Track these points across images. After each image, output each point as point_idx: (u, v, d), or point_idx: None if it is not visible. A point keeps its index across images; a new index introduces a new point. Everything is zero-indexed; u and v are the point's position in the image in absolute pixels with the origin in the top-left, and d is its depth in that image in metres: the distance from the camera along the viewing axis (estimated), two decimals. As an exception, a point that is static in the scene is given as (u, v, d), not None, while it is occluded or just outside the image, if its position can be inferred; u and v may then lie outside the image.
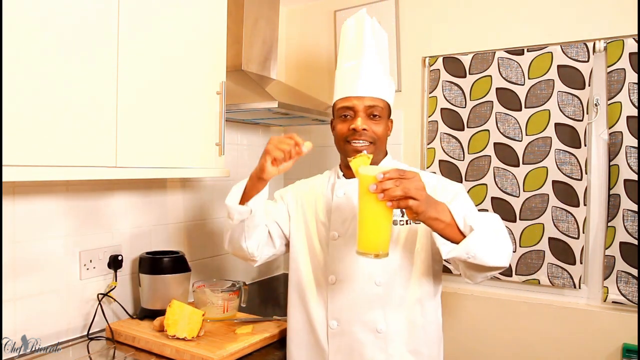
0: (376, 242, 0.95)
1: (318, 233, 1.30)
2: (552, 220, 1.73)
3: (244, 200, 1.17)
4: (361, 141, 1.19)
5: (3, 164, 0.93)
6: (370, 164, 1.09)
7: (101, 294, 1.49)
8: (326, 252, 1.26)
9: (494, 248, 1.01)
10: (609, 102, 1.64)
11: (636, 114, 1.59)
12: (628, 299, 1.61)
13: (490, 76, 1.83)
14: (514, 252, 1.79)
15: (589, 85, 1.67)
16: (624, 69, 1.61)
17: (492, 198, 1.83)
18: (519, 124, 1.78)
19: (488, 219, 1.04)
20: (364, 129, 1.19)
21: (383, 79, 1.23)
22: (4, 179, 0.94)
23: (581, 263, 1.69)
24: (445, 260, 1.06)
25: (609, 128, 1.65)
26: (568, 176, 1.70)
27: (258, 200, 1.18)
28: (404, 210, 1.14)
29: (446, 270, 1.48)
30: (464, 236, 0.99)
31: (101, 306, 1.47)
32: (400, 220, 1.21)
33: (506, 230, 1.08)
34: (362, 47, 1.22)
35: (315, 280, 1.28)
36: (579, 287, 1.70)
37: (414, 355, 1.21)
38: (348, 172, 1.28)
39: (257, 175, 1.15)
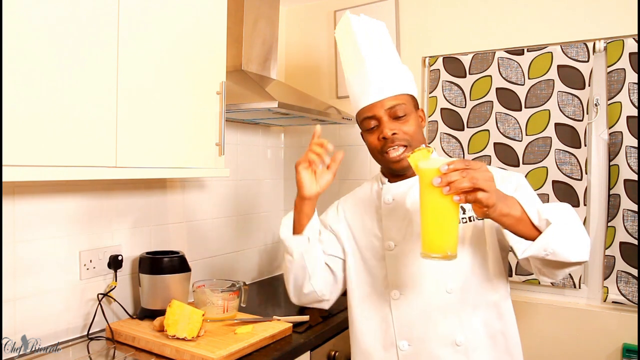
0: (443, 242, 0.85)
1: (372, 247, 1.18)
2: (552, 220, 1.73)
3: (296, 232, 1.11)
4: (396, 147, 1.09)
5: (3, 164, 0.93)
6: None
7: (101, 294, 1.49)
8: (384, 266, 1.15)
9: (574, 241, 0.90)
10: (609, 102, 1.65)
11: (636, 114, 1.59)
12: (628, 299, 1.61)
13: (490, 76, 1.83)
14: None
15: (589, 85, 1.67)
16: (624, 69, 1.61)
17: (492, 198, 1.83)
18: (519, 124, 1.78)
19: (562, 209, 0.93)
20: (394, 134, 1.08)
21: (395, 72, 1.13)
22: (4, 179, 0.94)
23: (581, 263, 1.69)
24: (519, 259, 0.96)
25: (609, 128, 1.65)
26: (568, 176, 1.70)
27: (312, 226, 1.11)
28: (463, 206, 1.07)
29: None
30: (539, 231, 0.89)
31: (101, 306, 1.47)
32: (463, 218, 1.08)
33: (580, 221, 0.97)
34: (359, 52, 1.13)
35: (377, 298, 1.15)
36: (579, 287, 1.70)
37: None
38: (392, 178, 1.18)
39: (299, 197, 1.08)
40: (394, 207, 1.15)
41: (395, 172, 1.14)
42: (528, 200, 0.92)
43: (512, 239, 0.95)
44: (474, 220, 1.09)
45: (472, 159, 1.85)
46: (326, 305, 1.23)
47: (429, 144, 1.95)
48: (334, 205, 1.31)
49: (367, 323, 1.16)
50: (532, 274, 1.75)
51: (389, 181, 1.19)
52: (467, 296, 1.07)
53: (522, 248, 0.92)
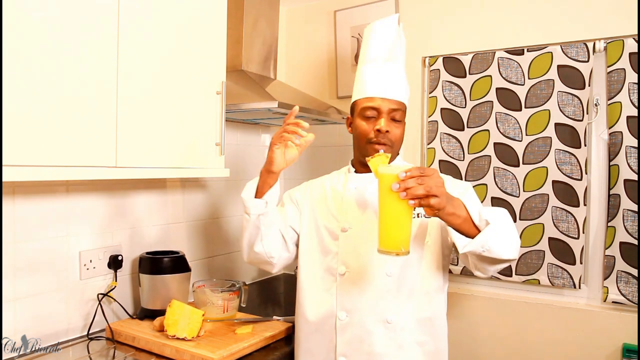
0: (398, 240, 0.96)
1: (329, 225, 1.30)
2: (552, 220, 1.73)
3: (257, 196, 1.24)
4: (383, 143, 1.22)
5: (3, 164, 0.93)
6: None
7: (101, 294, 1.49)
8: (337, 245, 1.27)
9: (507, 241, 1.04)
10: (609, 102, 1.64)
11: (636, 114, 1.59)
12: (628, 299, 1.61)
13: (490, 76, 1.83)
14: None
15: (589, 85, 1.67)
16: (624, 69, 1.61)
17: (492, 198, 1.83)
18: (519, 124, 1.78)
19: (499, 213, 1.07)
20: (387, 131, 1.22)
21: (404, 82, 1.28)
22: (4, 179, 0.94)
23: (581, 263, 1.69)
24: (457, 255, 1.09)
25: (609, 128, 1.65)
26: (568, 176, 1.70)
27: (272, 194, 1.23)
28: None
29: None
30: (478, 230, 1.02)
31: (101, 306, 1.47)
32: (418, 213, 1.23)
33: (513, 223, 1.11)
34: (392, 51, 1.27)
35: (325, 272, 1.28)
36: (579, 287, 1.70)
37: (421, 346, 1.22)
38: (360, 168, 1.31)
39: (266, 169, 1.21)
40: (355, 195, 1.28)
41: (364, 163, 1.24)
42: (472, 203, 1.05)
43: (455, 236, 1.07)
44: (421, 217, 1.22)
45: (472, 159, 1.87)
46: (273, 269, 1.36)
47: (429, 144, 1.95)
48: (304, 184, 1.43)
49: (313, 294, 1.29)
50: (532, 274, 1.76)
51: (355, 171, 1.33)
52: (404, 282, 1.20)
53: (462, 244, 1.04)
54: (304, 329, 1.30)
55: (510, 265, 1.80)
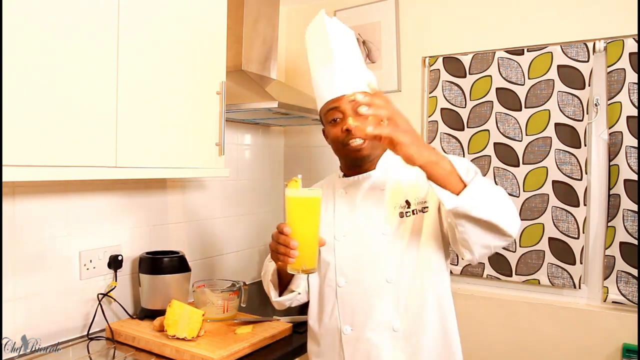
0: (302, 258, 1.00)
1: (324, 236, 1.24)
2: (552, 220, 1.73)
3: (281, 284, 1.21)
4: (357, 140, 1.14)
5: (3, 164, 0.93)
6: (365, 160, 1.17)
7: (101, 294, 1.49)
8: (333, 255, 1.21)
9: (499, 203, 0.93)
10: (609, 102, 1.64)
11: (636, 114, 1.59)
12: (628, 299, 1.61)
13: (490, 76, 1.83)
14: (513, 252, 1.79)
15: (589, 85, 1.67)
16: (624, 69, 1.61)
17: (492, 198, 1.83)
18: (519, 124, 1.78)
19: (492, 185, 0.98)
20: (357, 126, 1.13)
21: (359, 73, 1.19)
22: (4, 179, 0.94)
23: (581, 263, 1.69)
24: (445, 212, 0.97)
25: (609, 128, 1.65)
26: (568, 176, 1.70)
27: (295, 282, 1.20)
28: (409, 200, 1.15)
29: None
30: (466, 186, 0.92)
31: (101, 306, 1.47)
32: (407, 212, 1.15)
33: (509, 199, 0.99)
34: (330, 49, 1.18)
35: (327, 286, 1.22)
36: (579, 287, 1.70)
37: (435, 350, 1.14)
38: (348, 172, 1.26)
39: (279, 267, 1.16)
40: (346, 199, 1.23)
41: (355, 162, 1.20)
42: (456, 159, 0.96)
43: (440, 192, 0.93)
44: (416, 213, 1.15)
45: (472, 159, 1.87)
46: (303, 299, 1.31)
47: (429, 144, 1.95)
48: None
49: (319, 308, 1.24)
50: (532, 274, 1.76)
51: (344, 175, 1.26)
52: (405, 286, 1.13)
53: (449, 199, 0.91)
54: (314, 344, 1.26)
55: (510, 265, 1.80)
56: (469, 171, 0.94)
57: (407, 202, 1.16)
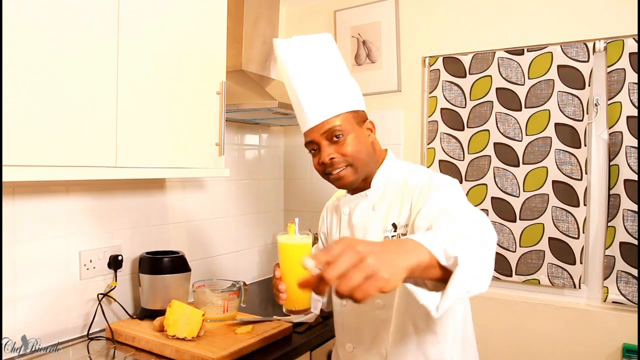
0: (295, 300, 1.03)
1: None
2: (552, 220, 1.73)
3: None
4: (337, 170, 1.09)
5: (3, 164, 0.93)
6: (359, 185, 1.14)
7: (101, 294, 1.49)
8: None
9: (481, 277, 0.80)
10: (609, 102, 1.64)
11: (636, 114, 1.59)
12: (628, 299, 1.61)
13: (490, 76, 1.83)
14: (513, 252, 1.79)
15: (589, 85, 1.67)
16: (624, 69, 1.61)
17: (492, 198, 1.83)
18: (519, 124, 1.78)
19: (471, 236, 0.81)
20: (332, 158, 1.08)
21: (329, 94, 1.09)
22: (4, 179, 0.94)
23: (581, 263, 1.69)
24: (435, 315, 0.77)
25: (609, 128, 1.65)
26: (568, 176, 1.70)
27: (315, 303, 1.22)
28: (395, 224, 1.09)
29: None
30: (447, 270, 0.75)
31: (101, 306, 1.47)
32: (393, 236, 1.10)
33: (492, 237, 0.87)
34: (290, 81, 1.12)
35: (336, 303, 1.24)
36: (579, 287, 1.70)
37: None
38: (349, 190, 1.20)
39: None
40: (347, 219, 1.21)
41: (343, 188, 1.17)
42: (434, 235, 0.76)
43: (422, 297, 0.75)
44: (401, 237, 1.06)
45: (472, 159, 1.87)
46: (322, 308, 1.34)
47: (429, 144, 1.95)
48: (321, 216, 1.36)
49: (335, 323, 1.25)
50: (532, 274, 1.76)
51: (348, 192, 1.21)
52: (394, 311, 1.09)
53: (434, 304, 0.75)
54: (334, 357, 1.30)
55: (510, 265, 1.80)
56: (449, 250, 0.73)
57: (394, 225, 1.10)
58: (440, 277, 0.76)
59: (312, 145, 1.12)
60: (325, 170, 1.12)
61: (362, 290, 0.64)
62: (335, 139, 1.08)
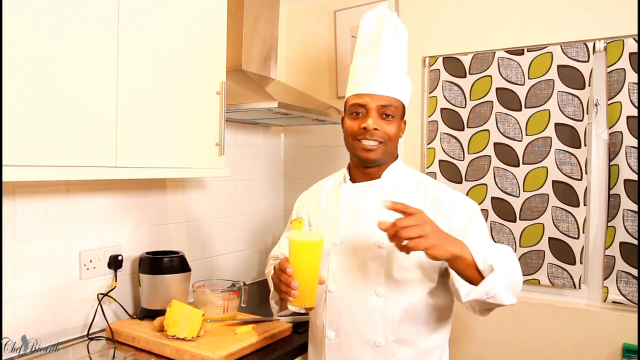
0: (302, 297, 1.04)
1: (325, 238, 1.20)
2: (552, 220, 1.73)
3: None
4: (371, 141, 1.14)
5: (3, 164, 0.93)
6: (379, 172, 1.18)
7: (101, 294, 1.49)
8: (328, 259, 1.19)
9: (512, 287, 0.99)
10: (609, 102, 1.64)
11: (636, 114, 1.59)
12: (628, 299, 1.61)
13: (490, 76, 1.83)
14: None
15: (589, 85, 1.67)
16: (624, 69, 1.61)
17: (492, 198, 1.83)
18: (519, 124, 1.78)
19: (504, 254, 1.01)
20: (375, 129, 1.13)
21: (400, 78, 1.18)
22: (4, 179, 0.94)
23: (581, 263, 1.69)
24: (462, 302, 1.01)
25: (609, 128, 1.65)
26: (568, 176, 1.70)
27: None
28: None
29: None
30: (482, 276, 0.96)
31: (101, 306, 1.47)
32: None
33: (519, 264, 1.05)
34: (381, 43, 1.16)
35: (320, 289, 1.18)
36: (579, 287, 1.70)
37: None
38: (355, 175, 1.24)
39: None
40: (348, 206, 1.21)
41: (361, 160, 1.18)
42: (476, 242, 0.98)
43: (458, 282, 0.99)
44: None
45: (472, 159, 1.87)
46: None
47: (429, 144, 1.95)
48: (297, 202, 1.39)
49: (314, 310, 1.22)
50: (532, 273, 1.76)
51: (350, 179, 1.25)
52: (394, 303, 1.12)
53: (465, 292, 0.98)
54: (309, 349, 1.31)
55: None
56: (487, 258, 0.95)
57: None
58: (475, 279, 0.96)
59: (359, 109, 1.16)
60: (359, 136, 1.15)
61: (414, 241, 0.88)
62: (384, 116, 1.15)
